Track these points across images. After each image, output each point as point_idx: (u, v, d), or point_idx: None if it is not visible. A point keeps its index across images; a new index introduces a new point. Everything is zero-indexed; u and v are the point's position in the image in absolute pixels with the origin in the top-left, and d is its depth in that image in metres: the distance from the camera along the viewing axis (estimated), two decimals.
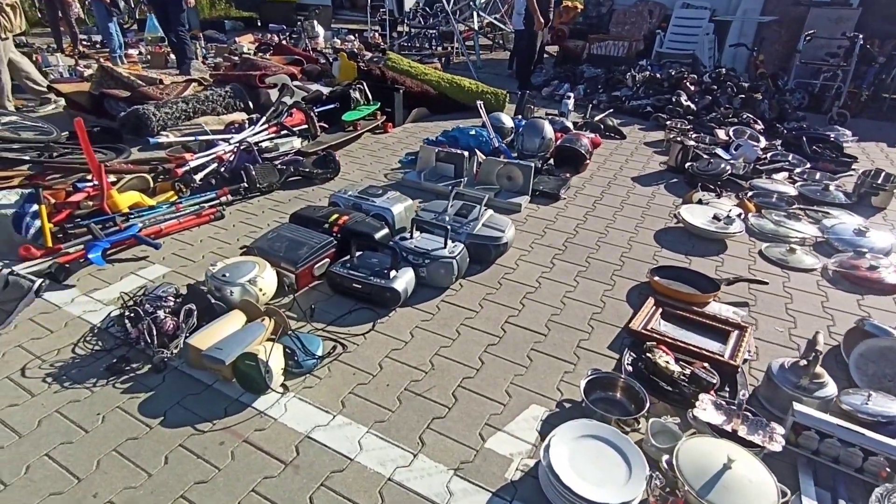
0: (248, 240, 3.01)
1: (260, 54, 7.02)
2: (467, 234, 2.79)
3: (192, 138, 3.81)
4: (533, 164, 3.60)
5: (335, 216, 2.85)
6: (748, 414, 1.77)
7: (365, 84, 4.89)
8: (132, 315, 2.10)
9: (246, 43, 9.59)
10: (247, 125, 3.94)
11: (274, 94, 4.77)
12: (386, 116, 5.11)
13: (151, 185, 3.38)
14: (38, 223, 2.76)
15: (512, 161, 3.61)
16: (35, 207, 2.78)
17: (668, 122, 5.16)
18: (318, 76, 5.89)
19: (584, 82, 6.80)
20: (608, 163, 4.52)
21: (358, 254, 2.56)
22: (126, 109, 4.81)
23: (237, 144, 3.65)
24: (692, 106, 5.67)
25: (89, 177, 3.41)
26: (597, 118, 5.25)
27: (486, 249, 2.80)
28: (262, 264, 2.44)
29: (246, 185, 3.48)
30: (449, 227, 2.64)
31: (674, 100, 5.74)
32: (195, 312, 2.14)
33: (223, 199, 3.32)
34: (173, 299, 2.22)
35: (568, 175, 4.04)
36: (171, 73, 5.99)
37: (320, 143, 4.32)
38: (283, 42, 7.87)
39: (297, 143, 4.21)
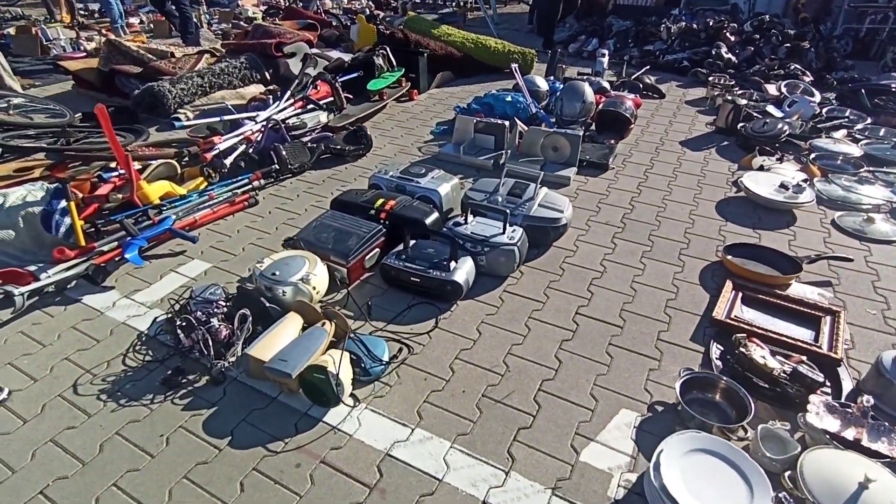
0: (287, 228, 2.84)
1: (269, 19, 6.65)
2: (523, 216, 2.60)
3: (216, 118, 3.58)
4: (581, 133, 3.36)
5: (381, 201, 2.66)
6: (868, 419, 1.62)
7: (388, 49, 4.58)
8: (184, 324, 1.95)
9: (251, 6, 9.15)
10: (271, 101, 3.70)
11: (294, 64, 4.48)
12: (410, 83, 4.82)
13: (179, 171, 3.19)
14: (67, 220, 2.60)
15: (558, 130, 3.37)
16: (63, 204, 2.61)
17: (709, 78, 4.83)
18: (336, 41, 5.57)
19: (612, 37, 6.40)
20: (651, 126, 4.25)
21: (412, 243, 2.39)
22: (139, 87, 4.57)
23: (265, 123, 3.43)
24: (733, 59, 5.32)
25: (112, 164, 3.24)
26: (633, 76, 4.93)
27: (544, 232, 2.61)
28: (313, 259, 2.28)
29: (277, 166, 3.28)
30: (508, 210, 2.44)
31: (713, 52, 5.38)
32: (250, 318, 1.99)
33: (256, 183, 3.13)
34: (224, 303, 2.07)
35: (612, 142, 3.79)
36: (178, 45, 5.69)
37: (347, 117, 4.08)
38: (293, 5, 7.43)
39: (323, 117, 3.97)
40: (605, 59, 4.98)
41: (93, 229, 2.65)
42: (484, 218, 2.57)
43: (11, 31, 7.18)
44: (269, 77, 5.02)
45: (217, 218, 2.92)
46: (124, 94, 4.74)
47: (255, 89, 4.85)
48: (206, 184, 3.14)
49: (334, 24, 6.23)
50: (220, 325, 1.94)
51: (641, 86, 4.70)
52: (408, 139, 4.03)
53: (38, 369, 1.97)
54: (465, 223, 2.52)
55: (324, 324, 1.99)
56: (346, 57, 4.83)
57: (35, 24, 7.86)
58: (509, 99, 4.04)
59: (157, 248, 2.67)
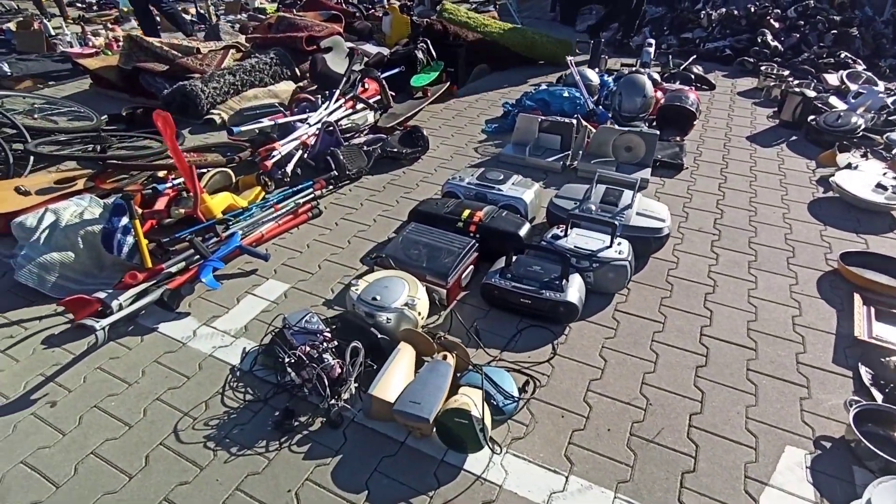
0: (360, 242, 2.65)
1: (290, 10, 6.35)
2: (622, 227, 2.43)
3: (267, 122, 3.35)
4: (657, 132, 3.18)
5: (467, 212, 2.47)
6: None
7: (429, 42, 4.35)
8: (293, 360, 1.76)
9: None
10: (320, 101, 3.47)
11: (333, 59, 4.24)
12: (449, 78, 4.60)
13: (234, 180, 2.98)
14: (130, 240, 2.39)
15: (633, 129, 3.19)
16: (125, 221, 2.40)
17: (761, 68, 4.65)
18: (369, 34, 5.31)
19: (647, 24, 6.19)
20: (711, 120, 4.08)
21: (514, 258, 2.20)
22: (166, 86, 4.32)
23: (320, 126, 3.21)
24: (779, 46, 5.14)
25: (161, 173, 3.01)
26: (682, 66, 4.74)
27: (645, 243, 2.44)
28: (412, 281, 2.09)
29: (335, 172, 3.07)
30: (617, 223, 2.27)
31: (759, 40, 5.20)
32: (362, 352, 1.81)
33: (318, 192, 2.93)
34: (329, 335, 1.89)
35: (680, 139, 3.62)
36: (200, 40, 5.40)
37: (396, 116, 3.86)
38: None
39: (370, 117, 3.75)
40: (652, 50, 4.79)
41: (158, 248, 2.43)
42: (582, 229, 2.39)
43: (12, 26, 6.82)
44: (298, 73, 4.78)
45: (282, 231, 2.72)
46: (149, 93, 4.48)
47: (287, 86, 4.61)
48: (263, 194, 2.93)
49: (357, 14, 5.96)
50: (334, 362, 1.75)
51: (693, 77, 4.51)
52: (459, 139, 3.82)
53: (130, 413, 1.78)
54: (565, 236, 2.34)
55: (445, 357, 1.81)
56: (385, 51, 4.59)
57: (35, 18, 7.50)
58: (566, 94, 3.84)
59: (224, 267, 2.47)
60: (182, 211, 2.53)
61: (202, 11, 7.48)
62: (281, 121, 3.17)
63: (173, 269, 2.34)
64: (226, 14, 8.14)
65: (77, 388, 1.88)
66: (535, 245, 2.29)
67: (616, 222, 2.26)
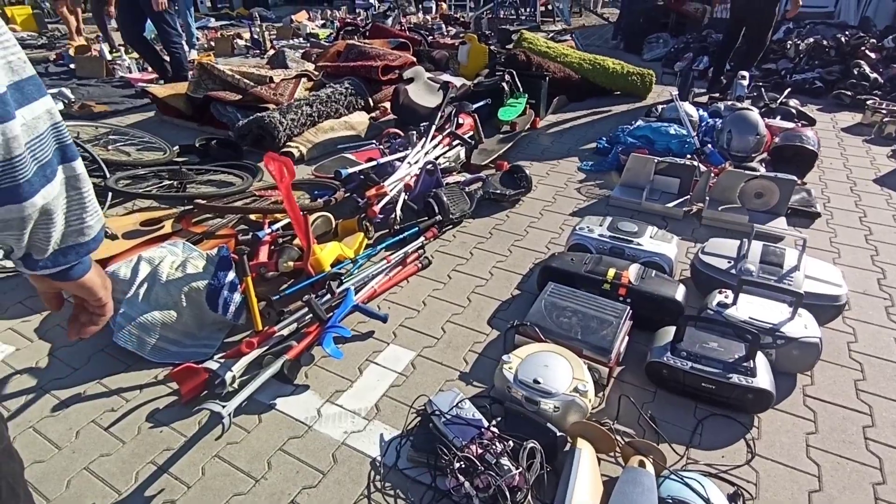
0: (481, 301, 2.37)
1: (355, 37, 6.22)
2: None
3: (350, 156, 3.12)
4: (794, 178, 2.86)
5: (612, 271, 2.18)
6: None
7: (514, 73, 4.12)
8: (464, 465, 1.47)
9: (308, 23, 8.77)
10: (414, 137, 3.24)
11: (417, 91, 4.03)
12: (533, 110, 4.36)
13: (333, 225, 2.73)
14: (237, 298, 2.14)
15: (766, 174, 2.88)
16: (231, 276, 2.15)
17: (867, 102, 4.33)
18: (447, 64, 5.12)
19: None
20: (824, 160, 3.76)
21: (687, 332, 1.90)
22: (237, 115, 4.14)
23: (423, 166, 2.96)
24: (878, 78, 4.81)
25: (253, 216, 2.79)
26: (778, 101, 4.44)
27: (820, 313, 2.11)
28: (572, 359, 1.80)
29: (439, 216, 2.82)
30: (802, 292, 1.95)
31: (855, 72, 4.88)
32: (540, 455, 1.51)
33: (423, 241, 2.66)
34: (493, 429, 1.59)
35: (803, 182, 3.30)
36: (265, 66, 5.26)
37: (488, 153, 3.62)
38: (378, 22, 6.93)
39: (462, 155, 3.51)
40: (746, 83, 4.50)
41: (264, 306, 2.18)
42: (749, 295, 2.08)
43: (71, 51, 6.81)
44: (371, 104, 4.59)
45: (393, 285, 2.45)
46: (220, 123, 4.31)
47: (360, 118, 4.41)
48: (365, 242, 2.68)
49: (421, 42, 5.79)
50: (515, 471, 1.45)
51: (795, 112, 4.21)
52: (556, 177, 3.55)
53: None
54: (734, 304, 2.03)
55: (642, 463, 1.50)
56: (466, 82, 4.37)
57: (94, 42, 7.51)
58: (673, 131, 3.56)
59: (350, 334, 2.20)
60: (291, 264, 2.28)
61: (257, 37, 7.41)
62: (383, 160, 2.93)
63: (284, 333, 2.08)
64: (277, 39, 8.09)
65: (196, 483, 1.61)
66: (709, 318, 1.98)
67: (801, 292, 1.94)
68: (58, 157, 0.68)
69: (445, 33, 7.26)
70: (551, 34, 5.14)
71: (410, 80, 4.11)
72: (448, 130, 3.24)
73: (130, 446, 1.73)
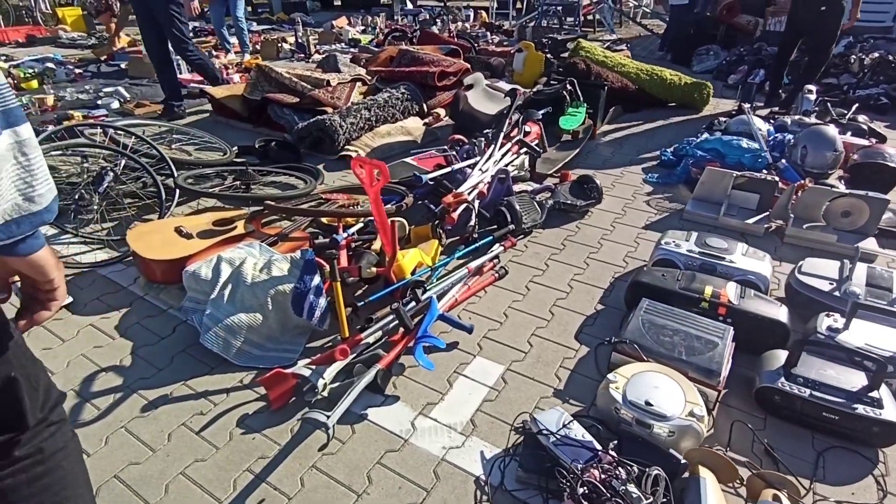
0: (563, 313, 2.30)
1: (403, 43, 6.21)
2: None
3: (410, 161, 3.08)
4: (887, 198, 2.74)
5: (709, 289, 2.09)
6: None
7: (575, 82, 4.05)
8: (587, 490, 1.39)
9: (350, 28, 8.81)
10: (481, 143, 3.18)
11: (476, 97, 3.99)
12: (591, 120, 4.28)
13: (407, 231, 2.69)
14: (323, 302, 2.10)
15: (855, 192, 2.76)
16: (317, 280, 2.11)
17: None
18: (503, 72, 5.07)
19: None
20: None
21: (801, 357, 1.80)
22: (295, 118, 4.14)
23: (495, 174, 2.90)
24: None
25: (324, 219, 2.75)
26: (846, 116, 4.30)
27: None
28: (682, 381, 1.72)
29: (512, 226, 2.75)
30: None
31: None
32: (665, 483, 1.43)
33: (501, 250, 2.60)
34: (612, 454, 1.51)
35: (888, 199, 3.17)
36: (318, 69, 5.27)
37: (552, 162, 3.55)
38: (428, 28, 6.92)
39: (526, 163, 3.45)
40: (813, 97, 4.37)
41: (349, 312, 2.13)
42: (860, 319, 1.97)
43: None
44: (425, 109, 4.55)
45: (471, 294, 2.39)
46: (275, 125, 4.31)
47: (415, 123, 4.38)
48: (440, 249, 2.62)
49: (470, 48, 5.76)
50: (642, 498, 1.37)
51: (867, 129, 4.06)
52: (622, 189, 3.47)
53: None
54: (845, 328, 1.92)
55: (776, 497, 1.40)
56: (523, 89, 4.31)
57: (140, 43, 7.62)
58: (745, 145, 3.45)
59: (444, 346, 2.14)
60: (374, 270, 2.23)
61: (302, 41, 7.46)
62: (457, 166, 2.87)
63: (370, 340, 2.03)
64: (319, 44, 8.14)
65: (296, 495, 1.55)
66: (828, 343, 1.87)
67: None
68: (1, 122, 0.66)
69: (490, 41, 7.23)
70: (607, 44, 5.08)
71: (470, 87, 4.06)
72: (517, 138, 3.18)
73: (224, 452, 1.69)
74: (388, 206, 2.72)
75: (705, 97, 4.86)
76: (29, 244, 0.75)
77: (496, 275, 2.49)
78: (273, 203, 2.80)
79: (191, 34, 4.65)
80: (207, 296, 2.17)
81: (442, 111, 4.66)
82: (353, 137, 3.93)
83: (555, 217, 3.06)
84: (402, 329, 2.05)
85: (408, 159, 3.64)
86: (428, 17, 7.70)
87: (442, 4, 8.42)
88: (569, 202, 3.02)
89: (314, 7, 12.68)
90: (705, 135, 3.83)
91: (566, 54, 5.22)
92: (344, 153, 3.83)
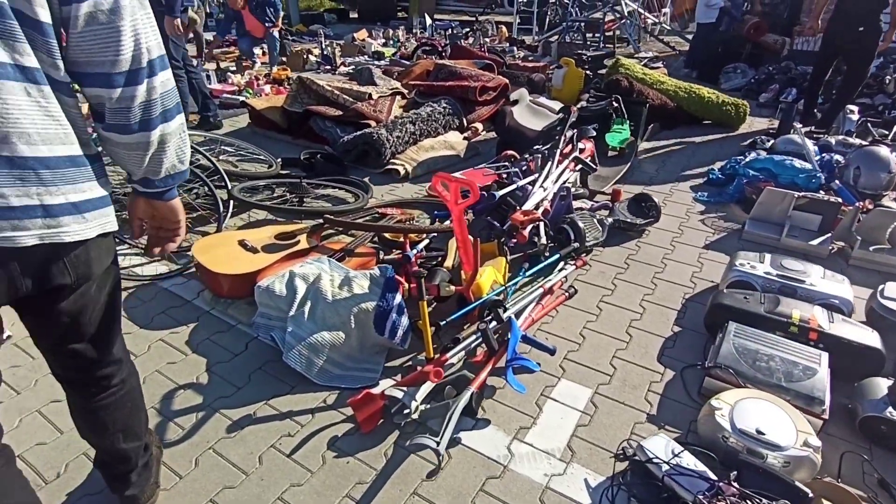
0: (641, 335, 2.26)
1: (431, 57, 6.23)
2: None
3: (462, 174, 3.05)
4: None
5: (796, 314, 2.06)
6: None
7: (620, 99, 4.05)
8: None
9: (370, 40, 8.86)
10: (539, 160, 3.16)
11: (522, 113, 3.98)
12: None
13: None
14: (405, 321, 2.06)
15: None
16: (399, 298, 2.07)
17: None
18: (543, 87, 5.08)
19: (803, 84, 5.76)
20: None
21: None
22: (337, 131, 4.13)
23: (557, 191, 2.88)
24: None
25: (387, 234, 2.72)
26: (890, 136, 4.30)
27: None
28: (788, 408, 1.68)
29: (576, 244, 2.72)
30: None
31: None
32: None
33: (573, 269, 2.56)
34: (734, 488, 1.47)
35: None
36: (353, 81, 5.27)
37: (603, 179, 3.53)
38: (461, 42, 6.93)
39: (578, 180, 3.43)
40: (855, 117, 4.37)
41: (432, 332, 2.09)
42: None
43: None
44: (465, 124, 4.55)
45: (545, 314, 2.35)
46: (316, 137, 4.31)
47: (455, 137, 4.38)
48: (508, 267, 2.58)
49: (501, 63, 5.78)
50: None
51: None
52: (673, 207, 3.45)
53: None
54: None
55: None
56: (561, 106, 4.31)
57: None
58: (797, 165, 3.44)
59: (538, 368, 2.10)
60: (452, 288, 2.20)
61: (327, 53, 7.49)
62: (521, 183, 2.85)
63: (454, 361, 1.99)
64: (342, 56, 8.17)
65: None
66: None
67: None
68: (177, 108, 1.03)
69: (515, 56, 7.26)
70: (644, 61, 5.10)
71: (515, 102, 4.06)
72: (573, 155, 3.16)
73: (320, 477, 1.64)
74: (446, 223, 2.70)
75: (742, 116, 4.86)
76: (172, 193, 1.13)
77: (566, 294, 2.46)
78: (334, 217, 2.79)
79: (182, 58, 4.28)
80: (282, 312, 2.14)
81: (480, 125, 4.66)
82: (398, 151, 3.91)
83: (614, 235, 3.03)
84: (485, 349, 2.02)
85: (457, 174, 3.62)
86: (460, 31, 7.68)
87: (474, 19, 8.43)
88: (628, 220, 2.99)
89: (331, 19, 12.77)
90: (753, 154, 3.82)
91: (602, 71, 5.24)
92: (390, 167, 3.82)
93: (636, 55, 7.31)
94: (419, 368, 1.91)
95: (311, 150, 3.98)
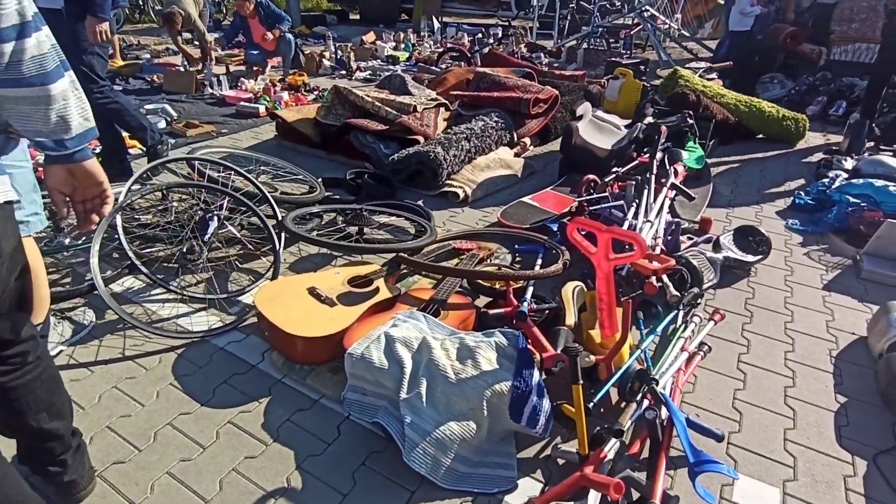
0: (802, 406, 1.93)
1: (459, 64, 5.84)
2: None
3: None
4: None
5: None
6: None
7: (692, 115, 3.71)
8: None
9: (381, 43, 8.43)
10: (635, 187, 2.79)
11: (587, 129, 3.61)
12: None
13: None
14: (546, 405, 1.67)
15: None
16: (537, 376, 1.69)
17: None
18: (599, 100, 4.72)
19: (851, 96, 5.54)
20: None
21: None
22: (381, 146, 3.72)
23: (667, 225, 2.52)
24: None
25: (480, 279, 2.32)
26: None
27: None
28: None
29: (695, 289, 2.36)
30: None
31: None
32: None
33: (713, 324, 2.20)
34: None
35: None
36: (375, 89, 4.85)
37: (689, 206, 3.18)
38: (496, 49, 6.54)
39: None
40: None
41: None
42: None
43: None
44: (515, 139, 4.18)
45: (685, 381, 1.99)
46: (355, 153, 3.89)
47: (508, 154, 4.00)
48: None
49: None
50: None
51: None
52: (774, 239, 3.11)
53: None
54: None
55: None
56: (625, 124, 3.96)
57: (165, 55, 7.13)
58: (894, 189, 3.14)
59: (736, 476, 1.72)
60: (593, 359, 1.81)
61: (342, 57, 7.05)
62: (632, 217, 2.47)
63: (611, 456, 1.61)
64: (355, 60, 7.73)
65: None
66: None
67: None
68: (66, 65, 1.02)
69: (541, 62, 6.90)
70: (698, 72, 4.81)
71: (580, 117, 3.69)
72: (670, 181, 2.81)
73: None
74: (554, 266, 2.32)
75: (801, 131, 4.59)
76: (86, 152, 1.09)
77: (702, 353, 2.10)
78: (409, 257, 2.39)
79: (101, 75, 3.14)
80: (382, 388, 1.75)
81: (528, 140, 4.30)
82: (454, 171, 3.52)
83: (723, 276, 2.68)
84: (641, 439, 1.64)
85: (527, 199, 3.26)
86: (485, 35, 7.27)
87: (507, 23, 8.05)
88: (740, 258, 2.65)
89: (331, 21, 12.28)
90: (834, 175, 3.53)
91: (656, 82, 4.92)
92: (445, 189, 3.42)
93: (661, 63, 7.02)
94: (576, 472, 1.52)
95: (357, 170, 3.56)
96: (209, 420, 1.80)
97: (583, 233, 1.90)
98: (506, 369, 1.70)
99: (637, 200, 2.68)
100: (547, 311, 2.16)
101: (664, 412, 1.67)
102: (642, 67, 5.25)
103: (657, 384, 1.76)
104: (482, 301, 2.33)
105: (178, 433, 1.75)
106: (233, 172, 2.76)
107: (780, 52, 6.52)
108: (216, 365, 2.04)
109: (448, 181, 3.47)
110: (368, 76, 6.83)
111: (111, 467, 1.60)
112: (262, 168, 3.37)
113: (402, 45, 8.58)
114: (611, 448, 1.60)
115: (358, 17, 12.78)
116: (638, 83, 4.58)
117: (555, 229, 2.83)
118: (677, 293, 2.17)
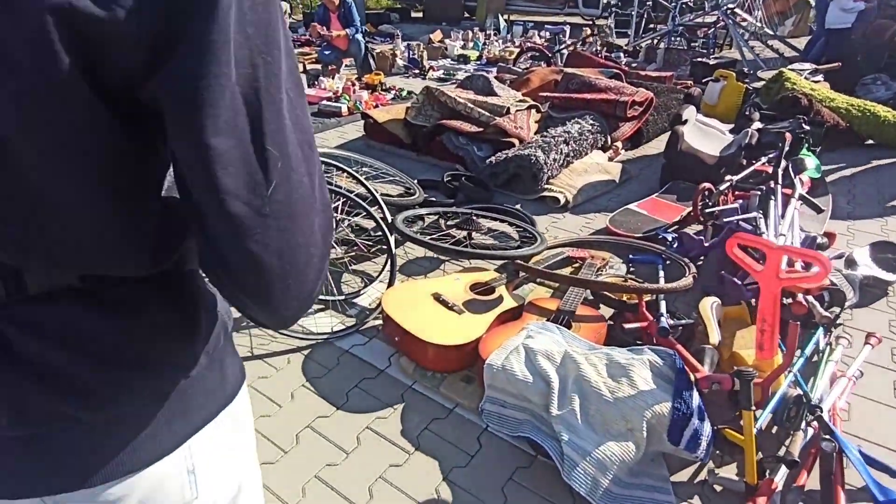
0: None
1: (539, 64, 5.75)
2: None
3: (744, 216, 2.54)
4: None
5: None
6: None
7: (805, 120, 3.50)
8: None
9: (451, 42, 8.42)
10: (759, 198, 2.64)
11: (694, 134, 3.46)
12: None
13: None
14: (707, 429, 1.58)
15: None
16: (697, 398, 1.60)
17: None
18: (698, 103, 4.55)
19: None
20: None
21: None
22: (474, 148, 3.69)
23: (804, 241, 2.37)
24: None
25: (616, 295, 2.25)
26: None
27: None
28: None
29: (836, 308, 2.20)
30: None
31: None
32: None
33: (870, 348, 2.05)
34: None
35: None
36: (457, 89, 4.82)
37: (810, 219, 2.99)
38: (580, 49, 6.45)
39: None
40: None
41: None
42: None
43: None
44: (608, 142, 4.06)
45: (840, 409, 1.85)
46: (447, 155, 3.87)
47: (603, 158, 3.89)
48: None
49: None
50: None
51: None
52: None
53: None
54: None
55: None
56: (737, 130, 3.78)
57: None
58: None
59: None
60: (739, 386, 1.71)
61: (415, 56, 7.07)
62: (770, 233, 2.34)
63: (780, 487, 1.50)
64: (427, 58, 7.74)
65: None
66: None
67: None
68: None
69: (620, 62, 6.71)
70: (803, 74, 4.54)
71: (684, 122, 3.54)
72: (798, 192, 2.64)
73: None
74: (686, 280, 2.21)
75: None
76: None
77: (854, 379, 1.95)
78: (529, 265, 2.34)
79: None
80: (524, 401, 1.70)
81: (620, 144, 4.17)
82: (552, 175, 3.44)
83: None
84: (807, 470, 1.53)
85: (633, 206, 3.15)
86: (565, 34, 7.12)
87: (592, 22, 7.90)
88: (881, 277, 2.46)
89: (395, 19, 12.38)
90: None
91: (757, 84, 4.68)
92: (546, 194, 3.35)
93: (746, 63, 6.69)
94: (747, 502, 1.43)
95: (453, 172, 3.53)
96: (348, 426, 1.80)
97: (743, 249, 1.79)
98: (664, 390, 1.62)
99: (762, 212, 2.53)
100: (681, 328, 2.06)
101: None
102: (746, 70, 4.99)
103: (822, 412, 1.65)
104: (604, 312, 2.26)
105: (319, 436, 1.76)
106: (345, 174, 2.77)
107: (885, 51, 6.09)
108: (344, 368, 2.05)
109: (547, 185, 3.40)
110: (442, 75, 6.82)
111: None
112: (363, 169, 3.38)
113: (471, 44, 8.54)
114: (781, 478, 1.50)
115: (420, 14, 12.84)
116: (740, 86, 4.36)
117: (669, 239, 2.71)
118: (828, 314, 2.02)
